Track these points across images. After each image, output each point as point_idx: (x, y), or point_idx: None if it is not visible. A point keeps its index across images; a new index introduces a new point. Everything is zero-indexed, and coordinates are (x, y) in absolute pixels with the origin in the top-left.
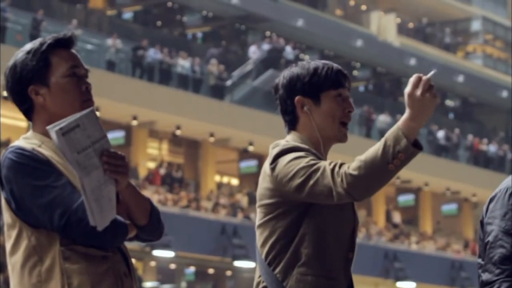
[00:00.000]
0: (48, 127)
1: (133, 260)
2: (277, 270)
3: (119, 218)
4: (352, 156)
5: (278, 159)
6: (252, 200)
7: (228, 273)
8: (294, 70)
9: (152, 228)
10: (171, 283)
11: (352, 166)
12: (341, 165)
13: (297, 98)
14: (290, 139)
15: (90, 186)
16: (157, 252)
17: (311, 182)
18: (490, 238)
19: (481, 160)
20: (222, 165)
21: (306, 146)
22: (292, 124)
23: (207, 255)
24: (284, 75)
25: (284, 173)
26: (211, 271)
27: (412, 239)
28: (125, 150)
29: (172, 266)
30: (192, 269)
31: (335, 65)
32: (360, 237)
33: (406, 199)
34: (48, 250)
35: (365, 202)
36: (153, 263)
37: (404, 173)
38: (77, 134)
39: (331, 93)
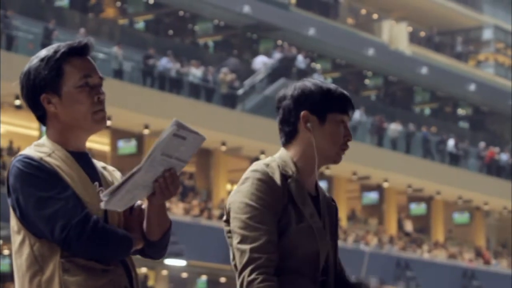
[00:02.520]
0: (175, 119)
1: (145, 269)
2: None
3: (124, 232)
4: (363, 164)
5: (244, 185)
6: None
7: None
8: (307, 84)
9: (161, 246)
10: None
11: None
12: (255, 269)
13: (303, 112)
14: (278, 157)
15: (136, 181)
16: (169, 261)
17: (236, 241)
18: None
19: (493, 168)
20: (234, 174)
21: (268, 199)
22: (289, 136)
23: (219, 264)
24: (296, 86)
25: (234, 213)
26: (223, 280)
27: (424, 248)
28: (137, 159)
29: (184, 275)
30: (204, 278)
31: (346, 92)
32: (372, 245)
33: (418, 207)
34: (49, 260)
35: (377, 210)
36: (165, 272)
37: (416, 182)
38: (177, 142)
39: (337, 117)
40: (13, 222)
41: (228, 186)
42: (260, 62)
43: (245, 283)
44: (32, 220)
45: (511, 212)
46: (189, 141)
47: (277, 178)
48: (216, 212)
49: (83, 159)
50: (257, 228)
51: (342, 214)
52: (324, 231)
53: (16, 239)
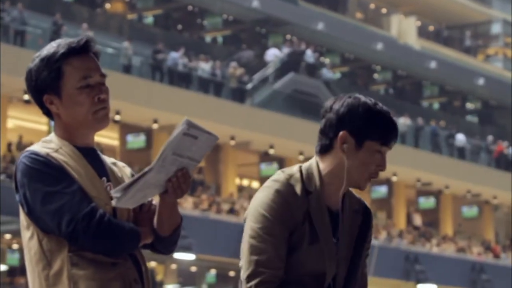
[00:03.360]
0: (186, 118)
1: (154, 263)
2: None
3: (131, 225)
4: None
5: (263, 194)
6: None
7: None
8: (356, 103)
9: (171, 241)
10: (192, 285)
11: None
12: (258, 285)
13: (342, 133)
14: (306, 167)
15: (147, 181)
16: (178, 255)
17: (244, 248)
18: None
19: (501, 162)
20: (243, 168)
21: (282, 212)
22: (325, 148)
23: (228, 258)
24: (345, 102)
25: (249, 219)
26: (232, 273)
27: (432, 242)
28: (146, 153)
29: (193, 269)
30: (213, 272)
31: (393, 121)
32: (381, 239)
33: (426, 201)
34: (57, 255)
35: (386, 204)
36: (174, 266)
37: (425, 176)
38: (189, 141)
39: (375, 146)
40: (22, 217)
41: (237, 180)
42: (272, 54)
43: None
44: (40, 215)
45: None
46: (201, 141)
47: (298, 191)
48: (225, 206)
49: (90, 154)
50: (267, 241)
51: None
52: (337, 250)
53: (26, 234)
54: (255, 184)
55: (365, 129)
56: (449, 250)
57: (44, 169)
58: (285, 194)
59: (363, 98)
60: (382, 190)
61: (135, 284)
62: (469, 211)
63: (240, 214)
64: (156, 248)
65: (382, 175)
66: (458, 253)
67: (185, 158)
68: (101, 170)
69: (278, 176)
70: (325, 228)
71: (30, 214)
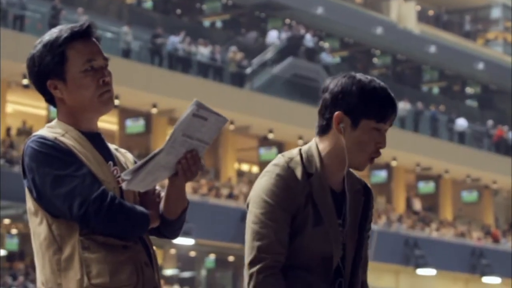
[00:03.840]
0: (195, 99)
1: (153, 248)
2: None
3: (141, 208)
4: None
5: (264, 179)
6: None
7: None
8: (350, 82)
9: (176, 225)
10: (191, 270)
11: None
12: (261, 270)
13: (337, 113)
14: (306, 150)
15: (157, 162)
16: (177, 240)
17: (247, 235)
18: None
19: (501, 147)
20: (242, 152)
21: (284, 197)
22: (322, 129)
23: (227, 243)
24: (339, 82)
25: (251, 205)
26: (231, 258)
27: (432, 226)
28: (145, 138)
29: (192, 253)
30: (212, 256)
31: (391, 98)
32: (381, 224)
33: (426, 186)
34: (68, 239)
35: (385, 189)
36: (173, 251)
37: (425, 161)
38: (198, 122)
39: (371, 124)
40: (29, 203)
41: (236, 165)
42: (274, 36)
43: (252, 283)
44: (49, 200)
45: None
46: (211, 122)
47: (298, 175)
48: (224, 191)
49: (95, 139)
50: (268, 225)
51: None
52: (342, 231)
53: (34, 220)
54: (254, 168)
55: (359, 108)
56: (448, 234)
57: (53, 153)
58: (286, 178)
59: (358, 76)
60: (382, 174)
61: (145, 267)
62: (469, 195)
63: (239, 199)
64: (161, 232)
65: (382, 159)
66: (458, 237)
67: (195, 140)
68: (107, 154)
69: (278, 160)
70: (329, 209)
71: (39, 199)
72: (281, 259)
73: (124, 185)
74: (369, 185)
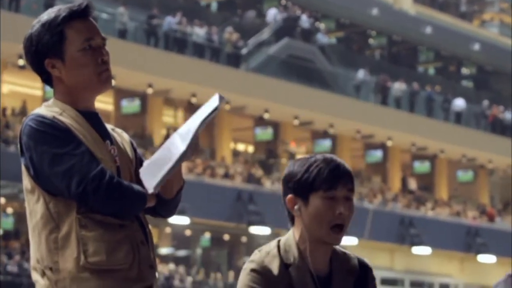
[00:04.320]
0: (218, 94)
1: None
2: None
3: (138, 187)
4: (367, 122)
5: (241, 277)
6: (266, 168)
7: (244, 239)
8: (292, 166)
9: (172, 205)
10: (187, 249)
11: None
12: None
13: (288, 197)
14: (285, 239)
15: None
16: (172, 219)
17: None
18: None
19: (497, 127)
20: (237, 132)
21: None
22: (291, 218)
23: (222, 222)
24: (285, 170)
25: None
26: (226, 237)
27: (427, 206)
28: (141, 118)
29: (188, 232)
30: (207, 235)
31: (334, 164)
32: (376, 203)
33: (422, 165)
34: (65, 217)
35: (381, 168)
36: (168, 230)
37: (420, 140)
38: (214, 112)
39: (320, 194)
40: (26, 181)
41: (232, 145)
42: (272, 15)
43: None
44: (47, 178)
45: None
46: (218, 108)
47: (275, 268)
48: (220, 171)
49: (93, 118)
50: None
51: None
52: None
53: (30, 198)
54: (250, 148)
55: (303, 185)
56: (444, 214)
57: (51, 131)
58: (262, 272)
59: (300, 157)
60: (377, 154)
61: (141, 246)
62: (464, 175)
63: (234, 179)
64: (157, 211)
65: (377, 139)
66: (453, 217)
67: (209, 116)
68: (104, 133)
69: (254, 256)
70: None
71: (36, 177)
72: None
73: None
74: (366, 261)
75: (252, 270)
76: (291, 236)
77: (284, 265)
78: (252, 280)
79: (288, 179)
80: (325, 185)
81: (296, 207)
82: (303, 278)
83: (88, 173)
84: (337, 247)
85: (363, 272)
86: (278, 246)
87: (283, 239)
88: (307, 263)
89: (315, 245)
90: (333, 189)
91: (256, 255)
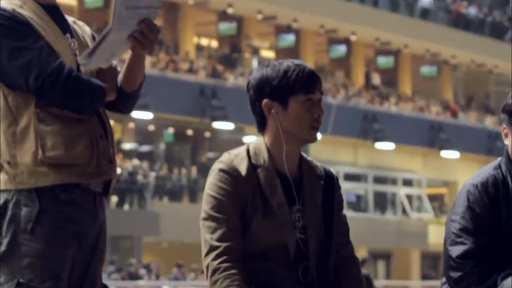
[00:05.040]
0: None
1: (112, 122)
2: None
3: (97, 81)
4: (331, 17)
5: (209, 177)
6: (227, 62)
7: (207, 134)
8: (264, 71)
9: (133, 99)
10: (150, 144)
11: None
12: (215, 258)
13: (264, 101)
14: (255, 143)
15: (110, 40)
16: (135, 114)
17: (202, 231)
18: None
19: (461, 22)
20: (201, 27)
21: (228, 188)
22: (261, 125)
23: (185, 117)
24: (254, 76)
25: (202, 205)
26: (189, 132)
27: (391, 101)
28: (104, 12)
29: (151, 127)
30: (170, 130)
31: (308, 68)
32: (339, 98)
33: (385, 60)
34: (24, 111)
35: (344, 63)
36: (131, 125)
37: (384, 35)
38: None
39: (300, 98)
40: None
41: (195, 39)
42: None
43: (209, 273)
44: (6, 71)
45: (478, 66)
46: None
47: (243, 168)
48: (183, 65)
49: (53, 11)
50: (217, 218)
51: None
52: (302, 216)
53: None
54: (213, 43)
55: (281, 88)
56: (407, 109)
57: (10, 25)
58: (230, 172)
59: (266, 63)
60: (341, 49)
61: (100, 140)
62: (428, 70)
63: (198, 73)
64: (117, 106)
65: (341, 34)
66: (417, 112)
67: (143, 8)
68: (65, 27)
69: (223, 157)
70: (278, 198)
71: None
72: (235, 246)
73: (82, 69)
74: (333, 171)
75: (221, 170)
76: (261, 140)
77: (253, 167)
78: (220, 180)
79: (263, 83)
80: (305, 89)
81: (273, 110)
82: (272, 180)
83: (46, 67)
84: (304, 154)
85: (330, 180)
86: (248, 150)
87: (253, 143)
88: (276, 166)
89: (292, 146)
90: (311, 93)
91: (225, 157)
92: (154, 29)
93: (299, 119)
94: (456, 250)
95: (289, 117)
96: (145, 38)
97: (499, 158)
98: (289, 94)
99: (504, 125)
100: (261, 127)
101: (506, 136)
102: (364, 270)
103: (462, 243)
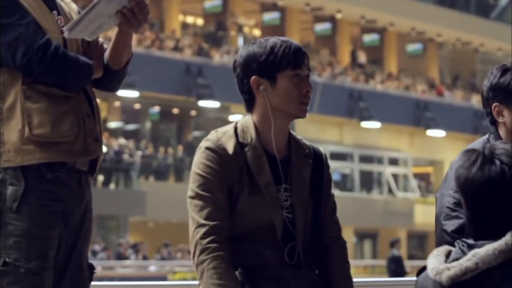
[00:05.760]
0: None
1: (98, 100)
2: None
3: (84, 59)
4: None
5: (196, 155)
6: (213, 40)
7: (193, 112)
8: (250, 48)
9: (120, 76)
10: (136, 123)
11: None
12: (203, 237)
13: (252, 78)
14: (243, 121)
15: (98, 11)
16: (121, 92)
17: (189, 209)
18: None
19: (446, 0)
20: (187, 4)
21: (215, 166)
22: (249, 104)
23: (171, 95)
24: (241, 53)
25: (189, 183)
26: (175, 111)
27: (377, 79)
28: None
29: (137, 106)
30: (156, 109)
31: (294, 44)
32: (325, 77)
33: (371, 39)
34: (10, 88)
35: (329, 41)
36: (117, 103)
37: (369, 13)
38: None
39: (288, 74)
40: None
41: (181, 17)
42: None
43: (197, 252)
44: None
45: (464, 44)
46: None
47: (230, 147)
48: (169, 43)
49: None
50: (204, 197)
51: None
52: (289, 196)
53: None
54: (199, 21)
55: (269, 64)
56: (393, 87)
57: None
58: (216, 150)
59: (252, 42)
60: (326, 27)
61: (87, 118)
62: (414, 48)
63: (183, 52)
64: (103, 84)
65: (326, 12)
66: (402, 90)
67: None
68: (51, 4)
69: (210, 135)
70: (265, 177)
71: None
72: (223, 225)
73: (66, 34)
74: (322, 150)
75: (207, 148)
76: (249, 118)
77: (240, 145)
78: (206, 158)
79: (250, 60)
80: (292, 64)
81: (261, 87)
82: (259, 159)
83: (33, 44)
84: (293, 133)
85: (319, 159)
86: (236, 128)
87: (241, 121)
88: (264, 144)
89: (281, 123)
90: (299, 68)
91: (213, 135)
92: (144, 9)
93: (287, 95)
94: (451, 225)
95: (277, 93)
96: (133, 16)
97: (488, 134)
98: (277, 70)
99: (497, 103)
100: (249, 106)
101: (499, 114)
102: (395, 251)
103: (457, 217)
